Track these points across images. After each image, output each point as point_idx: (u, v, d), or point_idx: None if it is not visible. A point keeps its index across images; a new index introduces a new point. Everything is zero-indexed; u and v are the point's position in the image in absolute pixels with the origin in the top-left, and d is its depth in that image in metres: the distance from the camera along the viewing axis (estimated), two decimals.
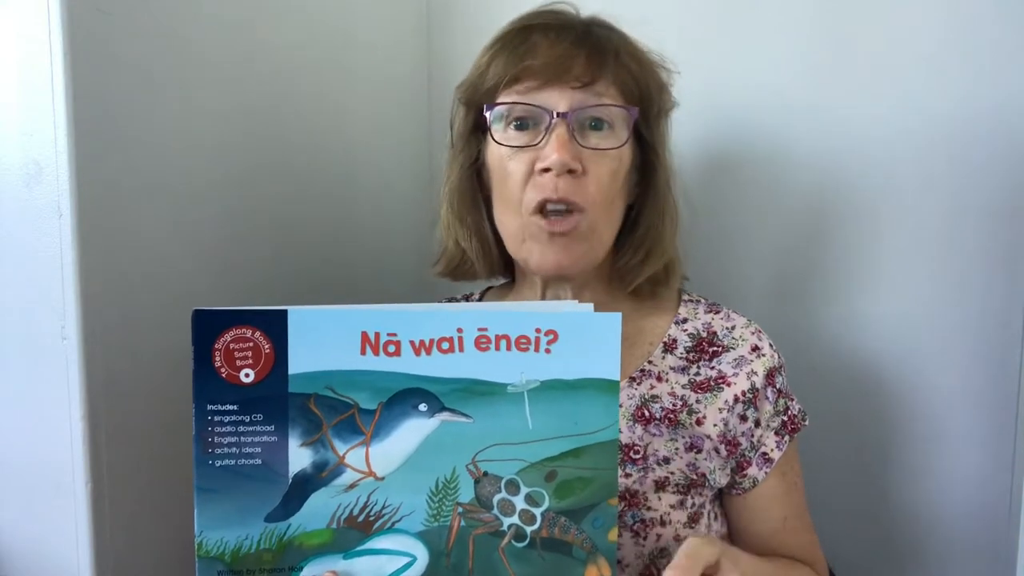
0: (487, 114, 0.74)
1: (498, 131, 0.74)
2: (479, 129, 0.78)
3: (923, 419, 0.92)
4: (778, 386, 0.79)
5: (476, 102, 0.77)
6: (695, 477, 0.76)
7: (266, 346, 0.60)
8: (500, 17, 0.79)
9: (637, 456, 0.75)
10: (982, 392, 0.89)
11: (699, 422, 0.76)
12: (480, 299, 0.90)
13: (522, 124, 0.73)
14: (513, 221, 0.75)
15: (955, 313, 0.89)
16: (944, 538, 0.93)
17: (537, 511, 0.62)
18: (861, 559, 0.97)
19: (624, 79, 0.74)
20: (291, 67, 0.93)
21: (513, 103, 0.73)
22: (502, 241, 0.79)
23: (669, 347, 0.79)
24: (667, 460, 0.75)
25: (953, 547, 0.93)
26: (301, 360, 0.60)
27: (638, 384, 0.77)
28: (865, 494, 0.96)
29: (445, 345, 0.61)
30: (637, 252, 0.78)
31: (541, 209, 0.72)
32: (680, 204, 0.80)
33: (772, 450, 0.78)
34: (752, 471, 0.77)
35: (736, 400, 0.76)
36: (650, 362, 0.79)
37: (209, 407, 0.60)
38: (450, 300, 0.93)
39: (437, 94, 1.14)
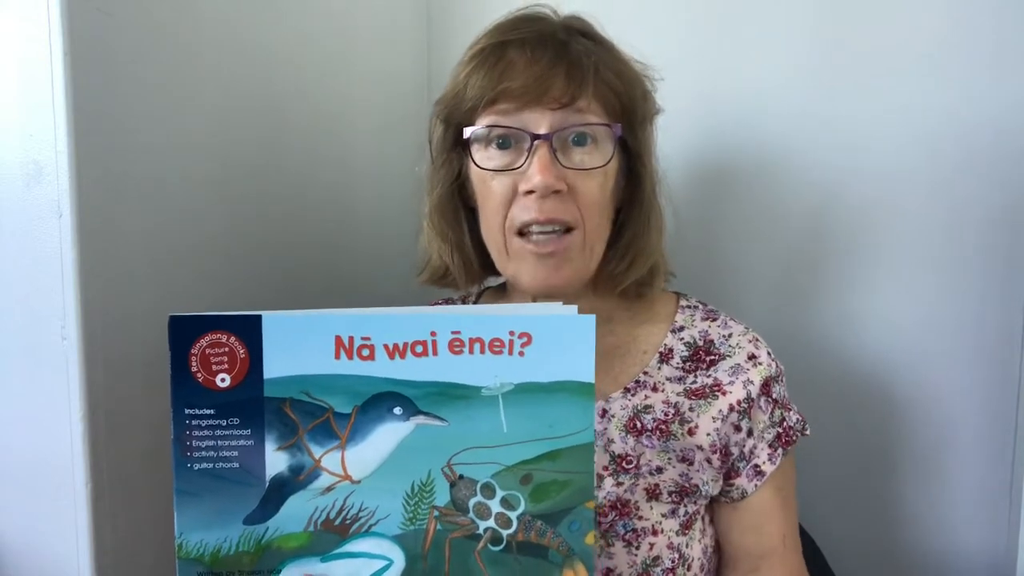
0: (467, 136, 0.73)
1: (479, 151, 0.73)
2: (460, 145, 0.76)
3: (924, 420, 0.92)
4: (774, 396, 0.77)
5: (455, 121, 0.75)
6: (687, 486, 0.74)
7: (241, 351, 0.60)
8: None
9: (630, 466, 0.74)
10: (983, 393, 0.88)
11: (691, 432, 0.74)
12: (476, 301, 0.90)
13: (504, 143, 0.72)
14: (498, 239, 0.74)
15: (955, 314, 0.89)
16: (945, 539, 0.93)
17: (513, 514, 0.62)
18: (860, 560, 0.96)
19: (605, 94, 0.72)
20: (291, 68, 0.93)
21: (492, 126, 0.72)
22: (485, 253, 0.78)
23: (665, 357, 0.78)
24: (660, 469, 0.74)
25: (954, 547, 0.92)
26: (276, 364, 0.60)
27: (632, 395, 0.76)
28: (865, 496, 0.96)
29: (419, 348, 0.61)
30: (623, 259, 0.77)
31: (523, 232, 0.72)
32: (665, 208, 0.79)
33: (764, 463, 0.76)
34: (741, 482, 0.76)
35: (731, 410, 0.75)
36: (646, 373, 0.77)
37: (187, 411, 0.60)
38: (447, 302, 0.93)
39: (436, 96, 1.14)
